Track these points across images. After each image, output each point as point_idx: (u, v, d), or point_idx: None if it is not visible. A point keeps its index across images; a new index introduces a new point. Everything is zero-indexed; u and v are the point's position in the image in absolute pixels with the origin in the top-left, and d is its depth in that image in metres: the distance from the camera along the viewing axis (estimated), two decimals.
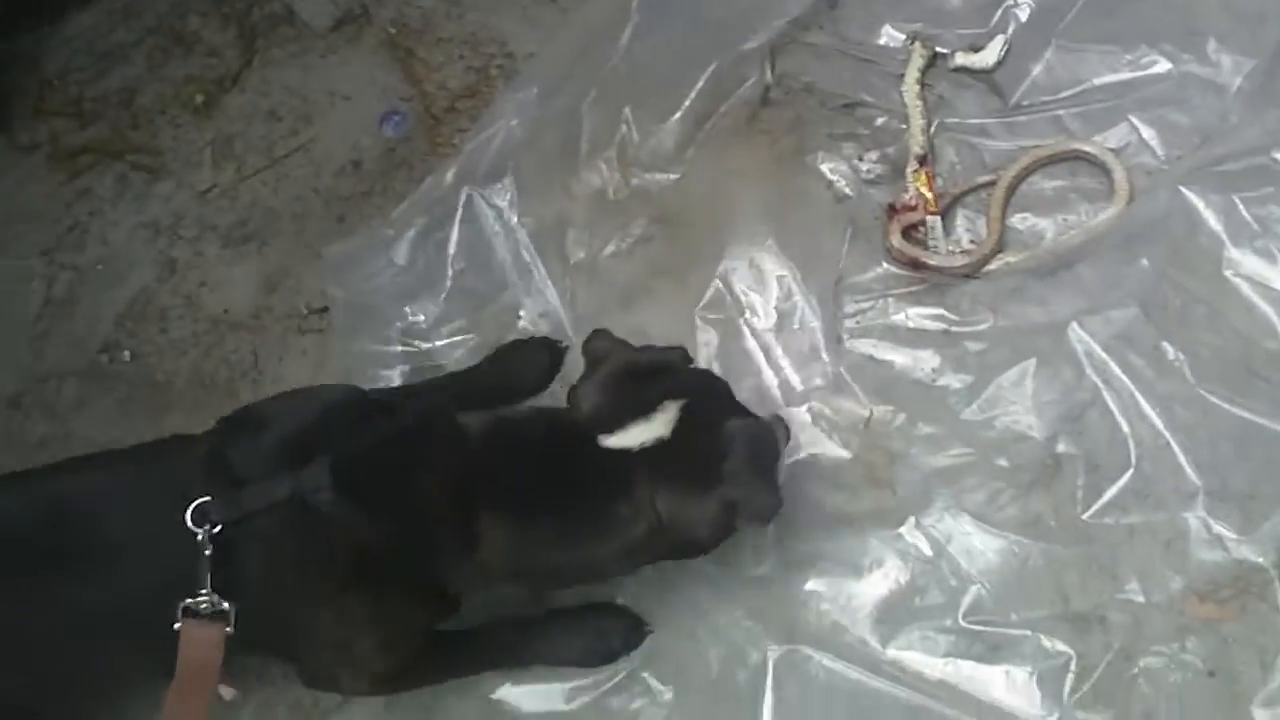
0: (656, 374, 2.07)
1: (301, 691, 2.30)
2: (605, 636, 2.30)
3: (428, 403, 2.18)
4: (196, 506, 1.87)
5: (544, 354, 2.53)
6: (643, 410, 1.99)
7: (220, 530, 1.87)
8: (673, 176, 2.74)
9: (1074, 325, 2.35)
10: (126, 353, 2.84)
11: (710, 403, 2.08)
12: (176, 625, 1.86)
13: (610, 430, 1.97)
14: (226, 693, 2.28)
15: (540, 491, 1.98)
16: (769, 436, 2.07)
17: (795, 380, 2.48)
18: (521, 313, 2.64)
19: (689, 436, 1.98)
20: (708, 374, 2.22)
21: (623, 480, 1.96)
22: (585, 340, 2.16)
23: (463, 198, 2.68)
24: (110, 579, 1.91)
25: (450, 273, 2.65)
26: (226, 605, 1.87)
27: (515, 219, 2.68)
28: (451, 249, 2.67)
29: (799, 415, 2.42)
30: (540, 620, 2.32)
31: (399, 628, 2.08)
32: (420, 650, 2.16)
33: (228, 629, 1.87)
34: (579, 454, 1.98)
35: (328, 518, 1.89)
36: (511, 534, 1.97)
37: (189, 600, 1.86)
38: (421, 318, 2.63)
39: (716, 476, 1.96)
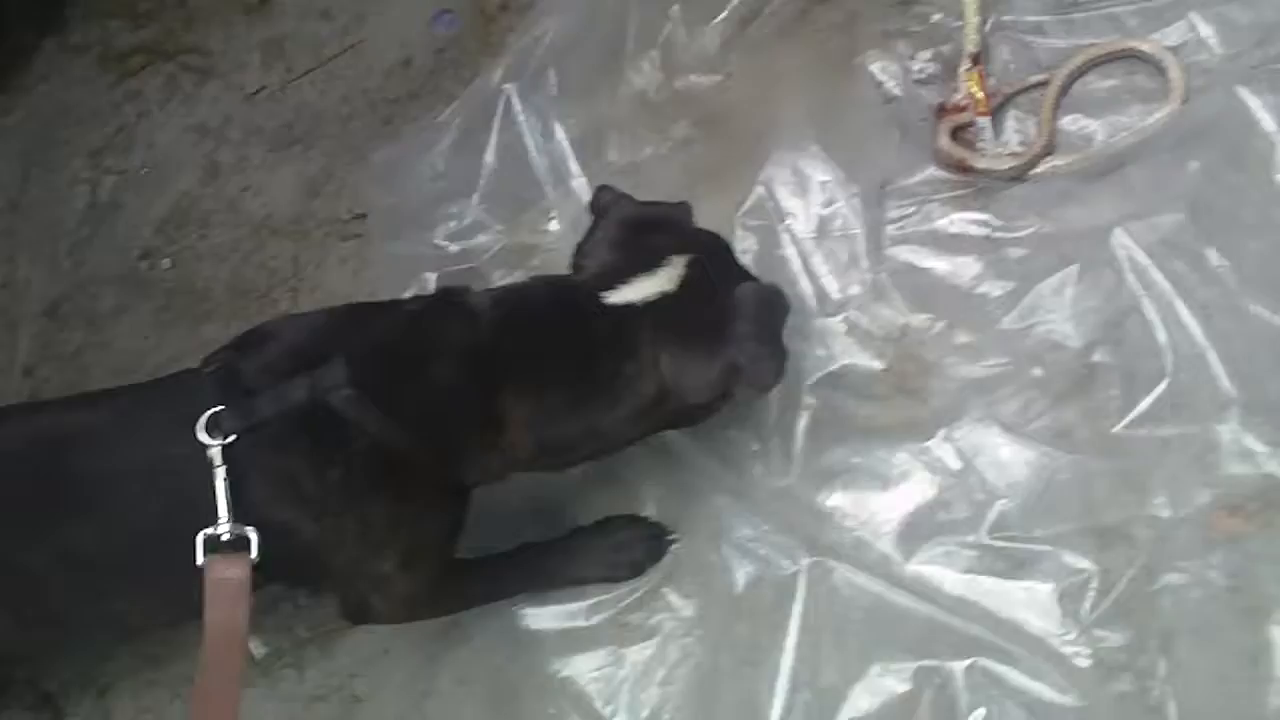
0: (661, 229, 2.07)
1: (317, 609, 2.38)
2: (629, 548, 2.30)
3: (436, 290, 2.15)
4: (209, 417, 1.84)
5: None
6: (647, 265, 1.98)
7: (235, 441, 1.83)
8: (717, 78, 2.71)
9: (1118, 230, 2.28)
10: (167, 260, 2.87)
11: (717, 262, 2.08)
12: (199, 561, 1.83)
13: (613, 286, 1.96)
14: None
15: (553, 359, 1.97)
16: (778, 302, 2.05)
17: (833, 289, 2.44)
18: (553, 215, 2.63)
19: (695, 294, 1.97)
20: (714, 234, 2.18)
21: (629, 339, 1.95)
22: (592, 197, 2.17)
23: (502, 100, 2.66)
24: (116, 510, 1.90)
25: (484, 175, 2.62)
26: (249, 531, 1.84)
27: (555, 121, 2.66)
28: (489, 152, 2.65)
29: (833, 325, 2.39)
30: (563, 540, 2.31)
31: (426, 534, 2.06)
32: (448, 569, 2.15)
33: (252, 557, 1.84)
34: (586, 316, 1.96)
35: (348, 418, 1.86)
36: (533, 406, 1.95)
37: (208, 531, 1.83)
38: (454, 223, 2.62)
39: (722, 338, 1.95)
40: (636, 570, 2.29)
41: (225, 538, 1.83)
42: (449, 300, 2.03)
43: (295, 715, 2.39)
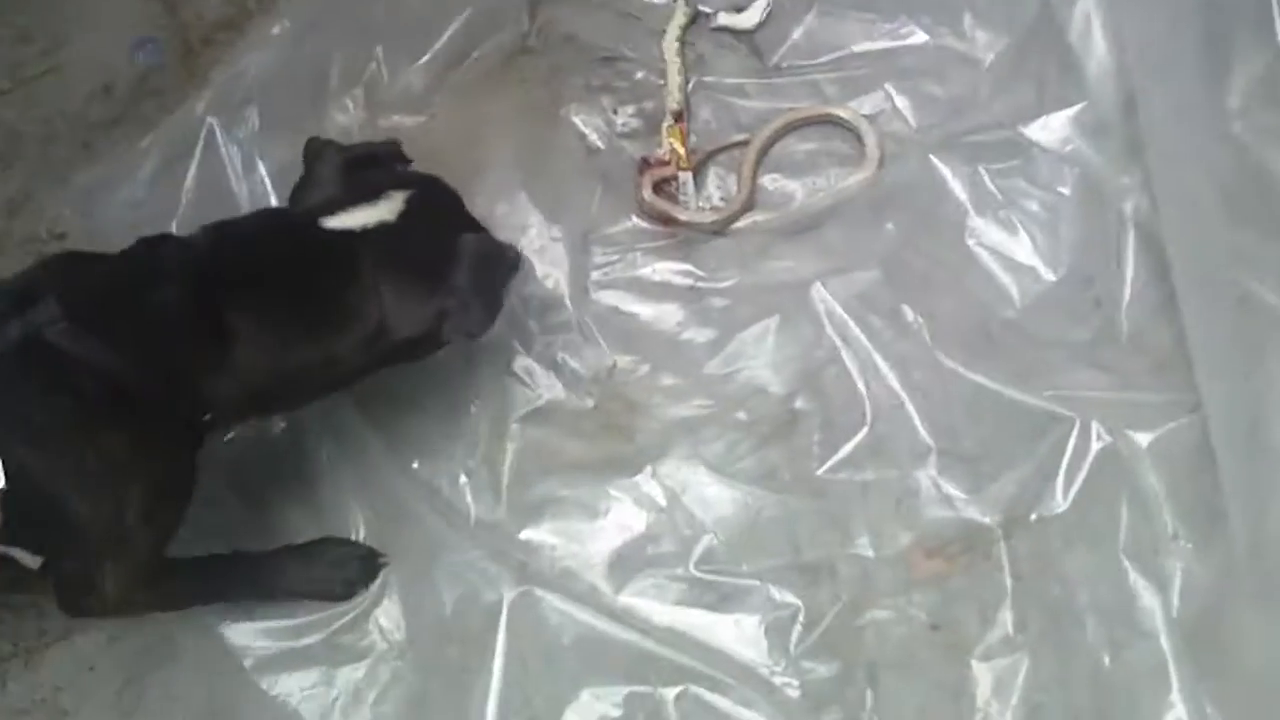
0: (379, 166, 2.12)
1: (22, 623, 2.27)
2: (342, 567, 2.25)
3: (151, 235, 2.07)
4: None
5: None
6: (366, 196, 2.00)
7: None
8: (421, 119, 2.69)
9: (817, 285, 2.35)
10: None
11: (438, 203, 2.12)
12: None
13: (333, 213, 1.96)
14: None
15: (274, 281, 1.94)
16: (500, 255, 2.11)
17: (537, 328, 2.43)
18: None
19: (415, 230, 2.00)
20: (436, 179, 2.18)
21: (350, 266, 1.94)
22: (304, 148, 2.17)
23: (204, 131, 2.60)
24: None
25: (184, 204, 2.55)
26: None
27: (257, 156, 2.60)
28: (189, 182, 2.59)
29: (540, 364, 2.41)
30: (277, 553, 2.25)
31: (165, 479, 1.97)
32: (165, 566, 2.06)
33: None
34: (307, 242, 1.95)
35: (66, 352, 1.79)
36: (259, 330, 1.91)
37: None
38: None
39: (438, 279, 1.98)
40: (349, 590, 2.24)
41: None
42: (160, 239, 2.00)
43: None
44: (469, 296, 2.00)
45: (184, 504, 2.04)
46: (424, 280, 1.97)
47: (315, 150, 2.15)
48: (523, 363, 2.39)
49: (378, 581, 2.25)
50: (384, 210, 1.98)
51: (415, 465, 2.32)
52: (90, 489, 1.87)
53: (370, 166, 2.12)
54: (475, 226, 2.15)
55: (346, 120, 2.70)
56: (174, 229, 2.45)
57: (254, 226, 2.04)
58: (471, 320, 2.02)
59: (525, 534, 2.26)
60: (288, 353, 1.96)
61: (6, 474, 1.76)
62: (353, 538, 2.29)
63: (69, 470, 1.84)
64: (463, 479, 2.31)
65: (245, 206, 2.55)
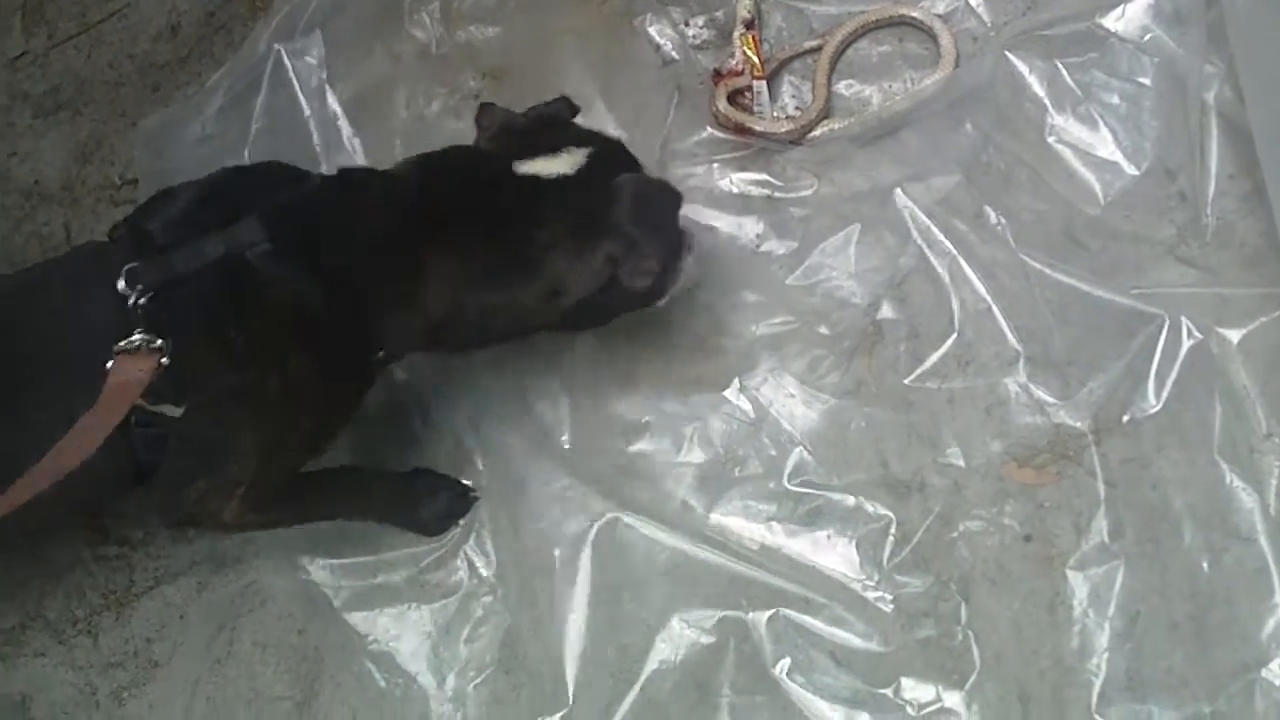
0: (560, 125, 2.13)
1: (112, 575, 2.28)
2: (434, 500, 2.29)
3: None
4: (126, 271, 1.81)
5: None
6: (551, 147, 2.02)
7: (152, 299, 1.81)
8: (497, 29, 2.70)
9: (897, 191, 2.33)
10: None
11: (616, 159, 2.11)
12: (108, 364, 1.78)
13: (524, 159, 1.99)
14: None
15: (474, 222, 1.97)
16: (660, 194, 2.08)
17: None
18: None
19: (590, 184, 2.00)
20: (608, 136, 2.19)
21: (539, 209, 1.97)
22: (477, 113, 2.17)
23: (271, 61, 2.62)
24: (36, 376, 1.85)
25: (253, 137, 2.58)
26: (160, 341, 1.80)
27: (326, 81, 2.62)
28: (257, 114, 2.62)
29: None
30: (377, 478, 2.32)
31: (333, 405, 2.07)
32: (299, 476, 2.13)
33: (163, 360, 1.79)
34: (501, 187, 1.98)
35: (266, 275, 1.85)
36: (456, 268, 1.96)
37: (122, 343, 1.79)
38: None
39: (602, 228, 1.97)
40: (441, 525, 2.29)
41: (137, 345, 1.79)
42: (365, 171, 2.07)
43: (91, 682, 2.34)
44: (635, 235, 1.98)
45: (334, 434, 2.11)
46: (590, 230, 1.97)
47: (493, 116, 2.15)
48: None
49: (467, 516, 2.28)
50: (564, 163, 1.99)
51: (501, 391, 2.35)
52: (267, 414, 1.94)
53: (552, 125, 2.14)
54: (639, 169, 2.15)
55: (424, 35, 2.72)
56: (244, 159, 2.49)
57: (455, 164, 2.05)
58: (642, 258, 1.99)
59: (614, 458, 2.27)
60: (476, 295, 1.99)
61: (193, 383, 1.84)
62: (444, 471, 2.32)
63: (250, 391, 1.90)
64: (553, 404, 2.33)
65: (316, 135, 2.57)
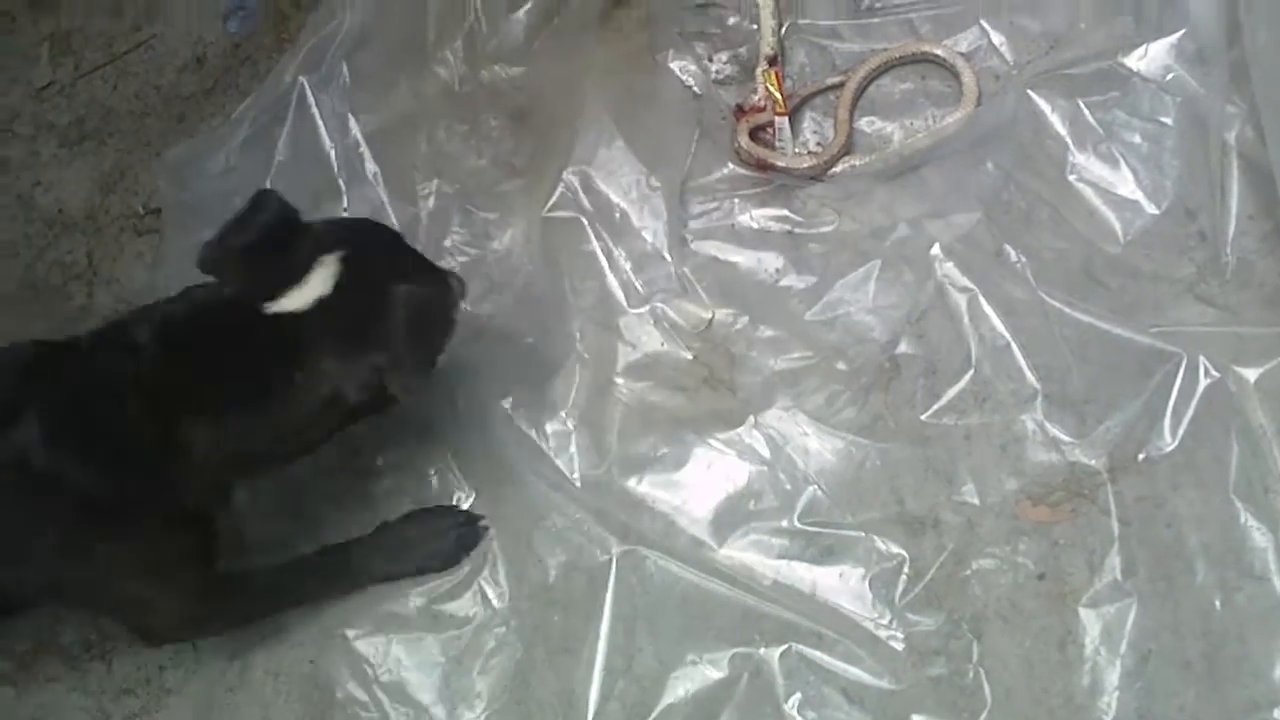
0: (310, 227, 2.02)
1: None
2: (440, 538, 2.27)
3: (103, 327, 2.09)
4: None
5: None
6: (303, 269, 1.94)
7: None
8: (521, 70, 2.70)
9: (918, 228, 2.34)
10: None
11: (373, 253, 2.03)
12: None
13: (272, 296, 1.92)
14: None
15: (223, 380, 1.93)
16: (436, 302, 2.05)
17: (638, 282, 2.43)
18: (345, 208, 2.61)
19: (351, 294, 1.94)
20: (368, 222, 2.17)
21: (294, 348, 1.92)
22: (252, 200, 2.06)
23: (295, 94, 2.63)
24: None
25: (275, 169, 2.61)
26: None
27: (349, 114, 2.63)
28: (281, 146, 2.63)
29: (640, 318, 2.41)
30: (370, 536, 2.29)
31: (174, 563, 2.07)
32: (223, 584, 2.16)
33: None
34: (250, 333, 1.92)
35: (50, 474, 1.86)
36: (212, 432, 1.92)
37: None
38: None
39: (374, 341, 1.93)
40: (449, 561, 2.27)
41: None
42: (117, 334, 1.99)
43: (104, 708, 2.33)
44: (401, 351, 1.94)
45: (205, 566, 2.12)
46: (361, 344, 1.93)
47: (261, 201, 2.05)
48: (622, 318, 2.40)
49: (480, 546, 2.28)
50: (318, 284, 1.93)
51: (518, 427, 2.33)
52: (107, 591, 2.03)
53: (308, 229, 2.03)
54: (413, 265, 2.10)
55: (447, 74, 2.73)
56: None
57: (196, 320, 1.98)
58: (405, 375, 1.96)
59: (628, 492, 2.27)
60: (242, 446, 1.97)
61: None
62: (454, 503, 2.32)
63: (80, 579, 2.00)
64: (565, 438, 2.32)
65: (337, 168, 2.59)
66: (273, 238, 1.97)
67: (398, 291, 1.94)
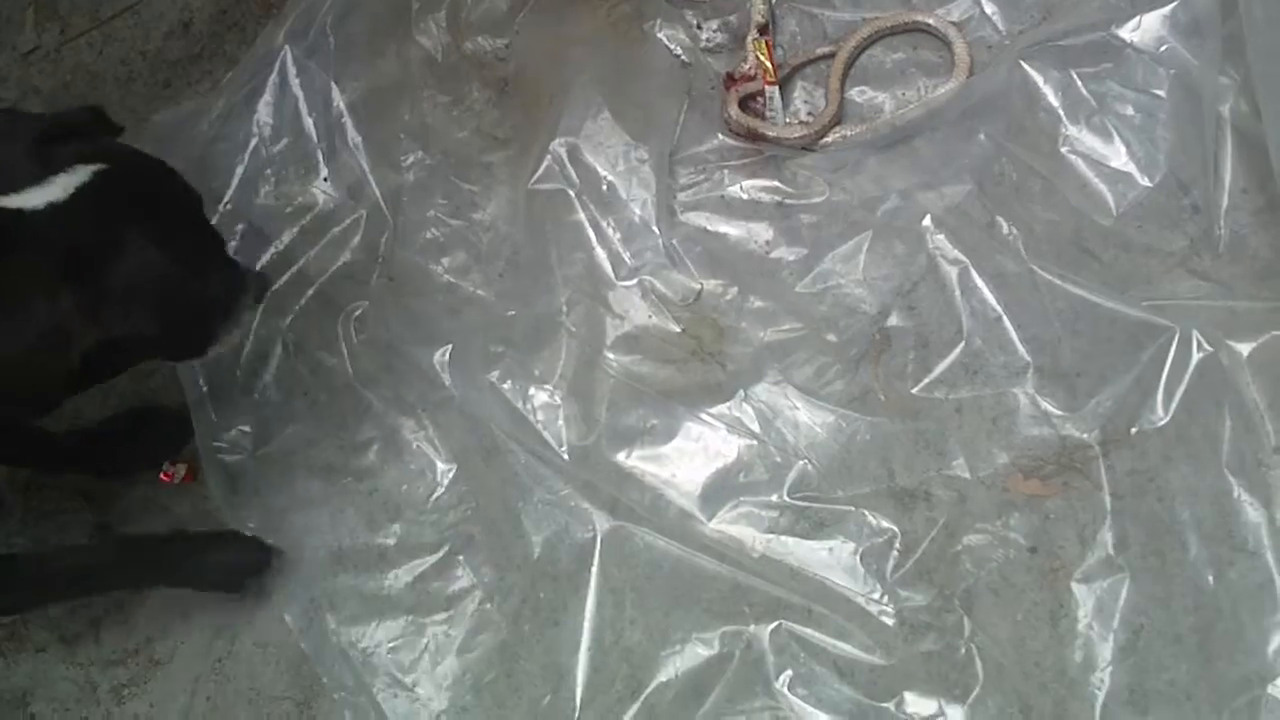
0: (77, 137, 1.77)
1: None
2: (222, 553, 2.28)
3: None
4: None
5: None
6: (45, 171, 1.69)
7: None
8: (504, 40, 2.67)
9: (909, 199, 2.33)
10: None
11: (129, 177, 1.80)
12: None
13: (14, 188, 1.66)
14: None
15: None
16: (171, 276, 1.78)
17: (626, 254, 2.41)
18: (326, 175, 2.60)
19: (89, 211, 1.69)
20: (136, 153, 1.87)
21: (14, 249, 1.64)
22: None
23: (279, 61, 2.61)
24: None
25: (258, 136, 2.58)
26: None
27: (333, 83, 2.61)
28: (262, 113, 2.61)
29: (628, 290, 2.40)
30: (170, 537, 2.29)
31: None
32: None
33: None
34: None
35: None
36: None
37: None
38: (230, 183, 2.58)
39: (87, 278, 1.67)
40: (234, 584, 2.27)
41: None
42: None
43: (92, 679, 2.33)
44: (102, 302, 1.68)
45: None
46: (71, 274, 1.66)
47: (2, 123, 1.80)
48: (610, 290, 2.38)
49: (465, 524, 2.28)
50: (57, 188, 1.67)
51: (505, 400, 2.32)
52: None
53: (72, 137, 1.77)
54: (176, 212, 1.88)
55: (430, 44, 2.69)
56: (247, 162, 2.49)
57: None
58: (95, 327, 1.68)
59: (616, 465, 2.25)
60: None
61: None
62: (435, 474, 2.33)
63: None
64: (553, 411, 2.31)
65: (318, 136, 2.58)
66: (50, 134, 1.74)
67: (133, 238, 1.72)
